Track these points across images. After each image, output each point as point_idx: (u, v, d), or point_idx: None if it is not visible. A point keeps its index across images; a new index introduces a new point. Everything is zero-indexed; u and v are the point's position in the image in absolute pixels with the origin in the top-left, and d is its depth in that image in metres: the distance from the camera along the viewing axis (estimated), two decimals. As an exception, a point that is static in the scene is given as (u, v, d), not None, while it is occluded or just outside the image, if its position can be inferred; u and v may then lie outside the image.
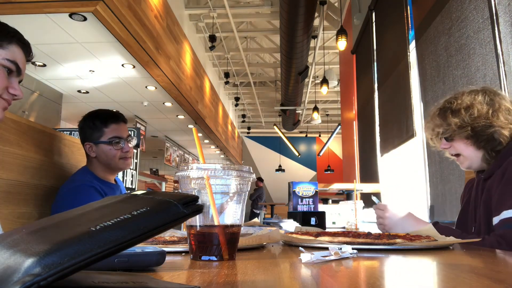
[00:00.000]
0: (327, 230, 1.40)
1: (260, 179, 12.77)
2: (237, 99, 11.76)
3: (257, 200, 11.75)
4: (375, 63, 4.80)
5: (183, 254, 0.78)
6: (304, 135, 16.07)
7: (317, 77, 10.39)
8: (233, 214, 0.70)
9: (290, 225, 1.83)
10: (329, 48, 9.01)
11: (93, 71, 5.78)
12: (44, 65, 5.48)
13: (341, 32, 5.15)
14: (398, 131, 3.78)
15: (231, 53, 9.48)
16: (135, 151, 5.05)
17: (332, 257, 0.66)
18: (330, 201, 4.65)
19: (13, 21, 3.96)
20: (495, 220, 1.15)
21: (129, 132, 1.84)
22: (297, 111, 11.38)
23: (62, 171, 1.71)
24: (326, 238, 0.89)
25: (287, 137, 14.13)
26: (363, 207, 2.42)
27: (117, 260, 0.54)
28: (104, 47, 4.92)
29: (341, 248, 0.70)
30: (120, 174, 4.49)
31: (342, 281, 0.50)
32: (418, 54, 3.19)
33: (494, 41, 1.97)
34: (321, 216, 2.05)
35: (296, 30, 6.13)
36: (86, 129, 1.72)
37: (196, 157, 13.66)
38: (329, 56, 10.22)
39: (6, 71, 1.06)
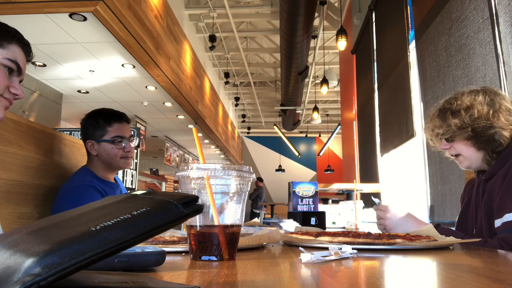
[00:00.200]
0: (327, 230, 1.40)
1: (260, 179, 12.77)
2: (237, 99, 11.76)
3: (256, 200, 11.75)
4: (375, 63, 4.80)
5: (183, 254, 0.78)
6: (304, 135, 16.07)
7: (317, 77, 10.39)
8: (233, 214, 0.70)
9: (290, 225, 1.83)
10: (329, 48, 9.02)
11: (93, 71, 5.78)
12: (44, 65, 5.48)
13: (341, 32, 5.16)
14: (398, 131, 3.78)
15: (231, 53, 9.48)
16: (135, 151, 5.04)
17: (332, 257, 0.66)
18: (330, 201, 4.65)
19: (13, 21, 3.97)
20: (497, 222, 1.14)
21: (131, 132, 1.85)
22: (297, 111, 11.38)
23: (62, 171, 1.71)
24: (326, 238, 0.89)
25: (287, 137, 14.13)
26: (363, 207, 2.43)
27: (117, 260, 0.54)
28: (104, 47, 4.92)
29: (341, 248, 0.70)
30: (120, 174, 4.49)
31: (342, 281, 0.50)
32: (418, 54, 3.19)
33: (494, 41, 1.97)
34: (321, 216, 2.05)
35: (296, 30, 6.13)
36: (89, 127, 1.73)
37: (196, 157, 13.67)
38: (329, 56, 10.23)
39: (7, 70, 1.06)
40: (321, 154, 15.18)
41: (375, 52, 4.80)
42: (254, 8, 7.79)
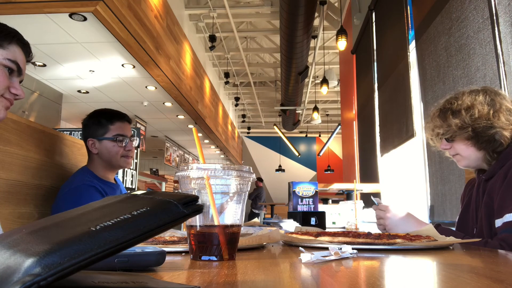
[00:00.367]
0: (327, 230, 1.40)
1: (260, 179, 12.77)
2: (237, 99, 11.76)
3: (256, 199, 11.75)
4: (375, 63, 4.80)
5: (183, 254, 0.78)
6: (304, 135, 16.07)
7: (317, 77, 10.39)
8: (233, 214, 0.70)
9: (290, 225, 1.83)
10: (329, 48, 9.02)
11: (93, 71, 5.78)
12: (44, 65, 5.48)
13: (341, 32, 5.15)
14: (398, 131, 3.78)
15: (231, 53, 9.48)
16: (135, 151, 5.05)
17: (332, 257, 0.66)
18: (330, 201, 4.66)
19: (13, 21, 3.97)
20: (498, 222, 1.14)
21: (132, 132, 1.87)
22: (297, 111, 11.38)
23: (62, 171, 1.71)
24: (326, 238, 0.89)
25: (287, 137, 14.13)
26: (363, 207, 2.43)
27: (117, 260, 0.54)
28: (104, 47, 4.92)
29: (341, 248, 0.70)
30: (120, 174, 4.49)
31: (342, 281, 0.50)
32: (418, 54, 3.19)
33: (494, 41, 1.97)
34: (321, 216, 2.05)
35: (296, 30, 6.13)
36: (90, 125, 1.75)
37: (196, 157, 13.67)
38: (329, 56, 10.23)
39: (7, 71, 1.07)
40: (321, 154, 15.18)
41: (375, 52, 4.80)
42: (254, 8, 7.79)
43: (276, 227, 1.60)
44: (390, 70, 4.08)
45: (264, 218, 7.56)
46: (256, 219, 2.23)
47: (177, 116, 8.33)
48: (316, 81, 10.31)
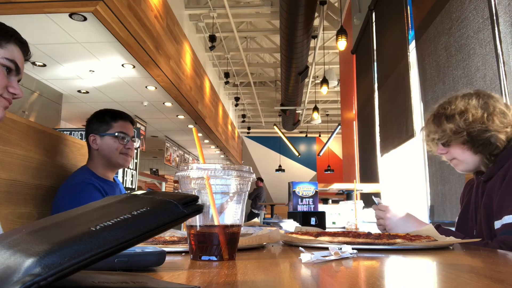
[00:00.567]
0: (327, 230, 1.40)
1: (260, 179, 12.77)
2: (237, 99, 11.76)
3: (256, 199, 11.75)
4: (375, 63, 4.80)
5: (183, 254, 0.78)
6: (304, 135, 16.07)
7: (317, 77, 10.39)
8: (233, 214, 0.70)
9: (290, 225, 1.83)
10: (329, 48, 9.01)
11: (93, 71, 5.78)
12: (44, 65, 5.48)
13: (341, 32, 5.15)
14: (398, 131, 3.78)
15: (231, 53, 9.48)
16: (135, 151, 5.05)
17: (332, 257, 0.66)
18: (330, 201, 4.66)
19: (13, 21, 3.97)
20: (497, 224, 1.14)
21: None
22: (297, 111, 11.37)
23: (62, 171, 1.71)
24: (326, 238, 0.89)
25: (287, 137, 14.13)
26: (363, 207, 2.43)
27: (117, 260, 0.54)
28: (104, 47, 4.92)
29: (341, 248, 0.70)
30: (120, 174, 4.49)
31: (342, 281, 0.50)
32: (418, 54, 3.19)
33: (494, 41, 1.97)
34: (321, 216, 2.05)
35: (296, 30, 6.13)
36: (94, 122, 1.79)
37: (196, 157, 13.66)
38: (329, 56, 10.23)
39: (5, 70, 1.06)
40: (321, 154, 15.18)
41: (375, 52, 4.80)
42: (254, 8, 7.79)
43: (276, 227, 1.60)
44: (390, 70, 4.08)
45: (264, 218, 7.56)
46: (256, 219, 2.23)
47: (177, 116, 8.33)
48: (316, 81, 10.31)
